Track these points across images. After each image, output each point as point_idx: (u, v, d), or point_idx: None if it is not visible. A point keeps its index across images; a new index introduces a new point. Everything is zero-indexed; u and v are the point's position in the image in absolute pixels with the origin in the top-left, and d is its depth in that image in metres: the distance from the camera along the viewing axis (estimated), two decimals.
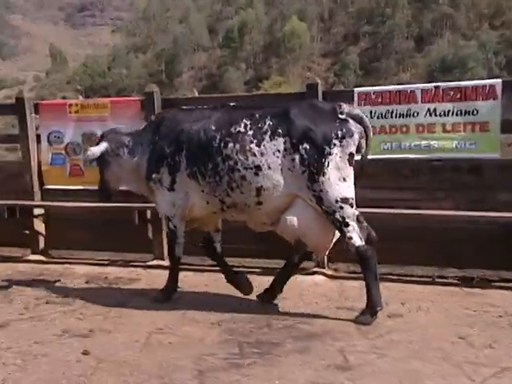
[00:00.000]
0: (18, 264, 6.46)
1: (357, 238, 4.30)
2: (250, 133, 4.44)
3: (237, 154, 4.44)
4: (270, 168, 4.38)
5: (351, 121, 4.37)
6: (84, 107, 6.62)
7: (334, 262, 5.83)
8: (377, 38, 79.35)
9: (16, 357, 3.79)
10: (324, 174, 4.28)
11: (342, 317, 4.44)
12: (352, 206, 4.33)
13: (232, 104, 4.80)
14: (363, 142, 4.42)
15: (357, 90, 5.86)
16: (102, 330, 4.28)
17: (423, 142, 5.58)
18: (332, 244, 4.56)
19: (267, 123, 4.44)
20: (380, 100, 5.71)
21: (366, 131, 4.40)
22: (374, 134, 5.75)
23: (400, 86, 5.78)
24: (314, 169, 4.29)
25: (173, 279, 5.09)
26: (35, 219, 6.79)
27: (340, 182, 4.31)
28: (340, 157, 4.31)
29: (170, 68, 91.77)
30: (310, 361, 3.66)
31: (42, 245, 6.85)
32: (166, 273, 5.08)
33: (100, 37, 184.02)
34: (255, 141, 4.42)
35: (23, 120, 6.74)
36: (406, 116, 5.63)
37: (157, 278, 5.48)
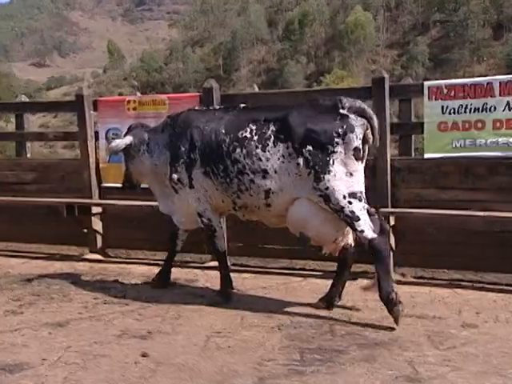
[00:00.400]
0: (76, 263, 6.71)
1: (369, 231, 4.42)
2: (255, 138, 4.73)
3: (245, 159, 4.74)
4: (276, 172, 4.63)
5: (351, 115, 4.51)
6: (142, 104, 6.80)
7: (400, 267, 5.77)
8: (449, 26, 77.00)
9: (76, 356, 3.92)
10: (329, 171, 4.47)
11: (410, 325, 4.36)
12: (361, 200, 4.49)
13: (242, 105, 5.07)
14: (369, 133, 4.54)
15: (427, 83, 5.73)
16: (160, 331, 4.37)
17: (501, 139, 5.42)
18: (344, 240, 4.72)
19: (270, 129, 4.71)
20: (452, 94, 5.57)
21: (370, 122, 4.52)
22: (445, 130, 5.65)
23: (475, 79, 5.62)
24: (319, 168, 4.48)
25: (225, 277, 5.20)
26: (93, 217, 7.03)
27: (347, 177, 4.48)
28: (345, 153, 4.48)
29: (228, 62, 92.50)
30: (376, 371, 3.59)
31: (99, 243, 7.10)
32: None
33: (157, 31, 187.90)
34: (260, 146, 4.70)
35: (82, 117, 6.97)
36: (482, 111, 5.47)
37: (214, 280, 5.54)
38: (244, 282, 5.64)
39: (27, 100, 8.08)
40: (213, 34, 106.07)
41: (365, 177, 4.61)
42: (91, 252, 7.04)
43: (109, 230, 7.06)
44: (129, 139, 5.47)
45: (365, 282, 5.01)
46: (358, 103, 4.57)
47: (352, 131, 4.47)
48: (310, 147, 4.51)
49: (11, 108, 8.25)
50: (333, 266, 5.53)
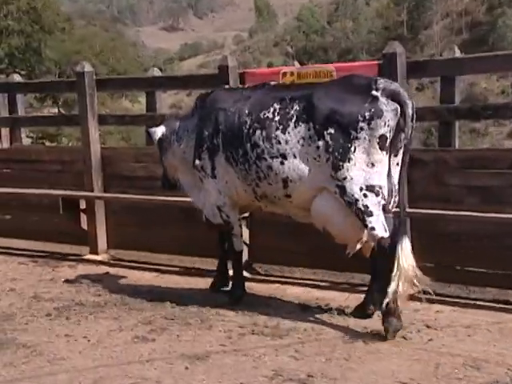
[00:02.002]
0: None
1: (380, 229, 5.07)
2: (277, 119, 5.42)
3: (264, 142, 5.47)
4: (295, 157, 5.33)
5: (382, 98, 5.02)
6: (302, 76, 6.89)
7: None
8: None
9: None
10: (349, 159, 5.07)
11: None
12: (378, 195, 5.07)
13: (273, 83, 5.84)
14: (402, 121, 5.01)
15: None
16: (324, 375, 4.42)
17: None
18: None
19: (294, 108, 5.37)
20: None
21: (403, 108, 5.00)
22: None
23: None
24: (338, 155, 5.09)
25: (238, 278, 6.04)
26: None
27: (367, 167, 5.06)
28: (369, 140, 5.03)
29: (415, 17, 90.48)
30: None
31: (244, 259, 7.35)
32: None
33: None
34: (281, 127, 5.39)
35: None
36: None
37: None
38: (438, 317, 5.54)
39: (160, 74, 8.59)
40: None
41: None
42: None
43: (256, 239, 7.35)
44: (161, 130, 6.29)
45: None
46: (394, 85, 5.12)
47: (379, 116, 4.98)
48: (331, 130, 5.12)
49: (142, 84, 8.81)
50: None
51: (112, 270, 7.64)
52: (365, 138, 5.03)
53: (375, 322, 5.29)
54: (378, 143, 5.04)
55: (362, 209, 5.08)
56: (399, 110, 5.03)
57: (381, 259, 5.12)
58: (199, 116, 6.09)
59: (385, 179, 5.11)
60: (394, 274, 4.97)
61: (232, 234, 6.10)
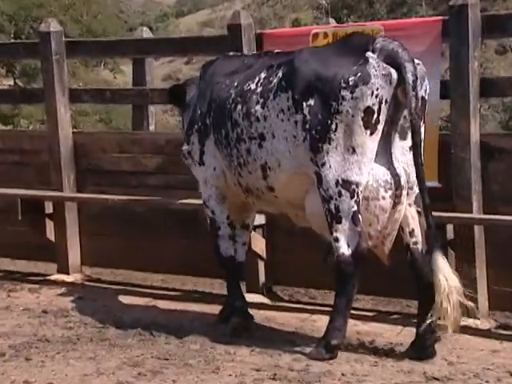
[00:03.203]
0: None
1: (343, 244, 5.37)
2: (259, 90, 5.78)
3: (243, 120, 5.82)
4: (274, 137, 5.63)
5: (373, 60, 5.19)
6: (339, 37, 6.87)
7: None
8: None
9: None
10: (330, 140, 5.30)
11: None
12: (352, 196, 5.31)
13: (277, 51, 6.13)
14: (401, 91, 5.18)
15: None
16: None
17: None
18: (387, 244, 5.64)
19: (278, 75, 5.69)
20: None
21: (402, 74, 5.13)
22: None
23: None
24: (316, 133, 5.34)
25: (233, 296, 6.27)
26: (254, 234, 7.32)
27: (347, 154, 5.29)
28: (352, 115, 5.21)
29: None
30: None
31: (262, 278, 7.46)
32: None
33: None
34: (261, 101, 5.72)
35: None
36: None
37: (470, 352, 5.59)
38: None
39: (151, 35, 8.60)
40: None
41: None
42: (249, 292, 7.33)
43: (276, 253, 7.40)
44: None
45: None
46: (393, 45, 5.26)
47: (365, 82, 5.17)
48: (311, 101, 5.38)
49: (126, 49, 8.67)
50: None
51: (87, 295, 7.66)
52: (347, 111, 5.23)
53: (440, 366, 5.32)
54: (363, 119, 5.22)
55: (333, 211, 5.37)
56: (395, 76, 5.20)
57: (338, 282, 5.50)
58: (198, 90, 6.44)
59: (364, 173, 5.34)
60: (435, 303, 5.14)
61: (217, 235, 6.33)
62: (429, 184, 5.57)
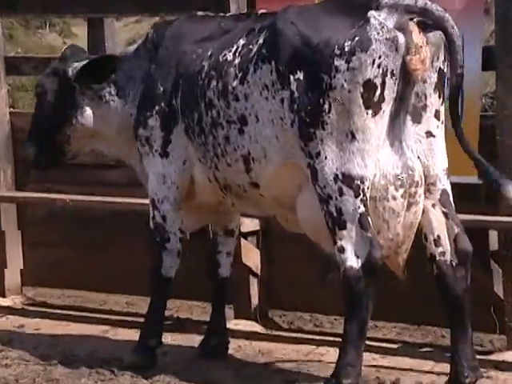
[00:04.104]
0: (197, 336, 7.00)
1: (351, 255, 5.26)
2: (237, 61, 5.76)
3: (219, 99, 5.81)
4: (257, 120, 5.61)
5: (374, 21, 5.08)
6: None
7: None
8: None
9: None
10: (323, 124, 5.23)
11: None
12: (358, 194, 5.23)
13: (262, 11, 6.19)
14: (415, 60, 5.05)
15: None
16: None
17: None
18: (402, 253, 5.58)
19: (258, 42, 5.66)
20: None
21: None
22: None
23: None
24: (306, 116, 5.29)
25: (153, 321, 6.32)
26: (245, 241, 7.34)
27: (346, 141, 5.22)
28: (349, 90, 5.13)
29: None
30: None
31: (254, 303, 7.38)
32: None
33: None
34: (240, 75, 5.71)
35: None
36: None
37: None
38: None
39: None
40: None
41: None
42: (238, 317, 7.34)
43: (274, 268, 7.37)
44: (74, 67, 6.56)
45: None
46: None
47: (364, 49, 5.07)
48: (299, 74, 5.33)
49: (80, 5, 8.50)
50: None
51: (29, 323, 7.66)
52: (342, 86, 5.15)
53: None
54: (362, 95, 5.12)
55: (334, 214, 5.30)
56: (402, 40, 5.09)
57: (347, 304, 5.38)
58: (153, 58, 6.37)
59: (370, 165, 5.26)
60: None
61: (164, 248, 6.30)
62: (467, 180, 5.54)
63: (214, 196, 6.22)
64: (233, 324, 6.55)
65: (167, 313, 7.60)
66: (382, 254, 5.32)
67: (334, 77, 5.14)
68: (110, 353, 6.71)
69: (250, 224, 6.82)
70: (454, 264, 5.44)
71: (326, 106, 5.18)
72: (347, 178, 5.20)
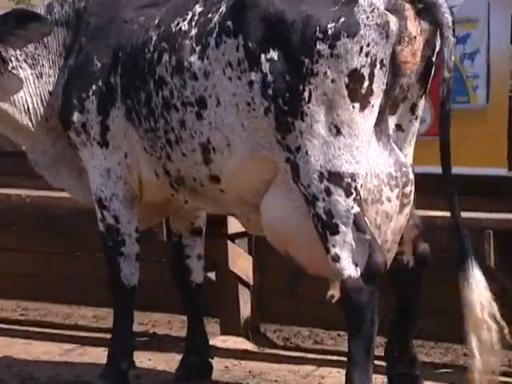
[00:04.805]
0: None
1: (348, 263, 5.26)
2: (194, 32, 5.74)
3: (172, 76, 5.80)
4: (219, 103, 5.61)
5: (363, 1, 5.07)
6: None
7: None
8: None
9: None
10: (303, 115, 5.24)
11: None
12: (350, 193, 5.25)
13: None
14: (408, 50, 5.12)
15: None
16: None
17: None
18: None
19: (220, 11, 5.64)
20: None
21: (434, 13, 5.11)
22: None
23: None
24: (284, 104, 5.27)
25: (120, 339, 6.25)
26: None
27: (330, 135, 5.25)
28: (332, 80, 5.14)
29: None
30: None
31: (245, 315, 7.47)
32: None
33: None
34: (198, 48, 5.68)
35: None
36: None
37: None
38: None
39: None
40: None
41: None
42: (226, 333, 7.42)
43: (268, 277, 7.47)
44: None
45: None
46: None
47: (351, 34, 5.07)
48: (273, 53, 5.30)
49: None
50: None
51: None
52: (325, 73, 5.15)
53: None
54: (347, 86, 5.15)
55: (323, 216, 5.31)
56: (394, 27, 5.13)
57: (349, 320, 5.36)
58: (78, 28, 6.33)
59: (362, 161, 5.30)
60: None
61: (119, 252, 6.34)
62: (495, 172, 5.62)
63: (161, 193, 6.25)
64: (219, 341, 6.54)
65: (142, 328, 7.75)
66: (385, 258, 5.37)
67: (317, 62, 5.13)
68: (76, 375, 6.78)
69: (238, 224, 6.67)
70: (409, 263, 5.65)
71: (306, 94, 5.18)
72: (335, 176, 5.23)
